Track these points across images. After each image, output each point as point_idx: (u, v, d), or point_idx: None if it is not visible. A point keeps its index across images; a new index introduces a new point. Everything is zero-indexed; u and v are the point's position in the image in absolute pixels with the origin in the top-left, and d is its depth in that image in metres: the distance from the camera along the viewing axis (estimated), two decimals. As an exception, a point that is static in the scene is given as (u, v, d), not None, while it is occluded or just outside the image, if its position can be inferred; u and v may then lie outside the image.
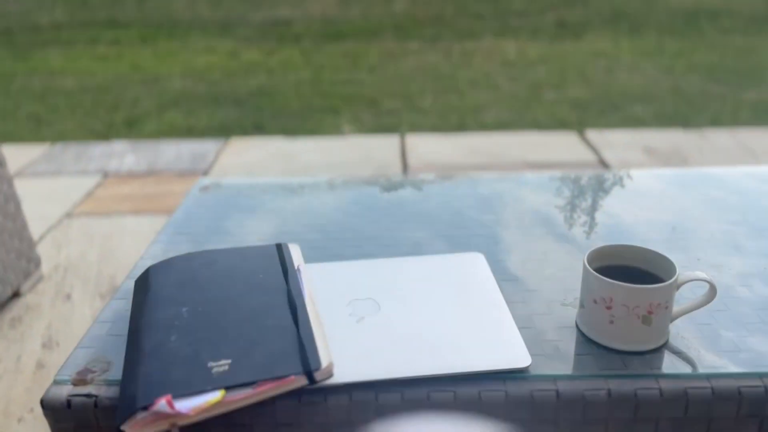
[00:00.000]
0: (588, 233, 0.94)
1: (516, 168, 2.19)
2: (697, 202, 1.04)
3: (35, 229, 1.80)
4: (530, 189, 1.10)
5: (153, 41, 5.00)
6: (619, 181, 1.13)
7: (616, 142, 2.41)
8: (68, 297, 1.46)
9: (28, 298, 1.45)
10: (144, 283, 0.78)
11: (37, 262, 1.51)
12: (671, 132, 2.57)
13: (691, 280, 0.69)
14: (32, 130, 3.00)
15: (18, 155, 2.48)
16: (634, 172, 1.17)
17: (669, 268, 0.69)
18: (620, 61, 4.05)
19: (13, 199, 1.45)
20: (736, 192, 1.07)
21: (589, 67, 3.91)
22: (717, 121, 2.84)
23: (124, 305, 0.80)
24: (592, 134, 2.51)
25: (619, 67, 3.88)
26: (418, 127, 2.80)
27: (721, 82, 3.52)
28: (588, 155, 2.30)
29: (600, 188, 1.10)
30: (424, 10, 5.69)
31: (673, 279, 0.67)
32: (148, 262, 0.88)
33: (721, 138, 2.44)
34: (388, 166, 2.26)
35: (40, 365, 1.24)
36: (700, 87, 3.43)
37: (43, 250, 1.68)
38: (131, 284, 0.84)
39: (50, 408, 0.64)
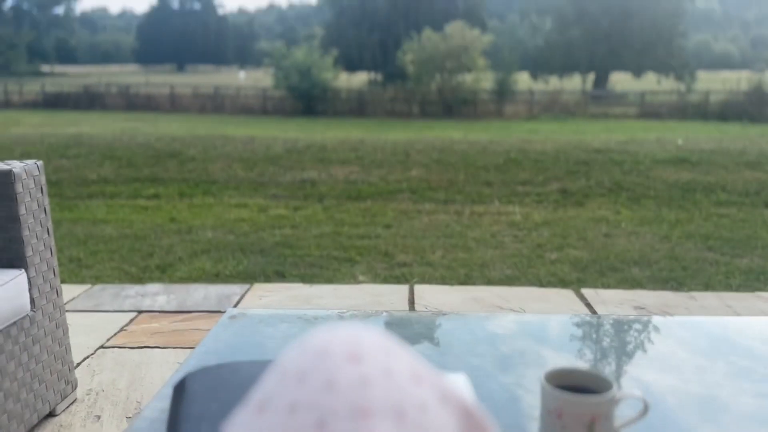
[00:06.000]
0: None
1: (515, 319, 2.36)
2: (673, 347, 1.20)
3: (74, 356, 1.98)
4: (518, 330, 1.27)
5: (190, 197, 5.48)
6: (600, 326, 1.30)
7: (609, 299, 2.59)
8: (98, 418, 1.60)
9: (61, 417, 1.59)
10: (181, 387, 0.95)
11: (74, 385, 1.67)
12: (662, 292, 2.75)
13: (627, 397, 0.85)
14: (72, 272, 3.27)
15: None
16: (610, 317, 1.35)
17: (608, 386, 0.85)
18: (620, 227, 4.34)
19: (62, 326, 1.66)
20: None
21: (590, 231, 4.19)
22: (710, 284, 3.03)
23: (163, 405, 0.96)
24: (588, 291, 2.70)
25: (618, 233, 4.15)
26: (427, 279, 3.02)
27: (715, 249, 3.75)
28: (582, 309, 2.47)
29: (583, 332, 1.27)
30: (438, 177, 6.20)
31: (609, 393, 0.83)
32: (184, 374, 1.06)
33: (708, 299, 2.61)
34: (396, 311, 2.44)
35: (66, 478, 1.36)
36: (696, 254, 3.66)
37: (79, 375, 1.84)
38: (168, 391, 1.01)
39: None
